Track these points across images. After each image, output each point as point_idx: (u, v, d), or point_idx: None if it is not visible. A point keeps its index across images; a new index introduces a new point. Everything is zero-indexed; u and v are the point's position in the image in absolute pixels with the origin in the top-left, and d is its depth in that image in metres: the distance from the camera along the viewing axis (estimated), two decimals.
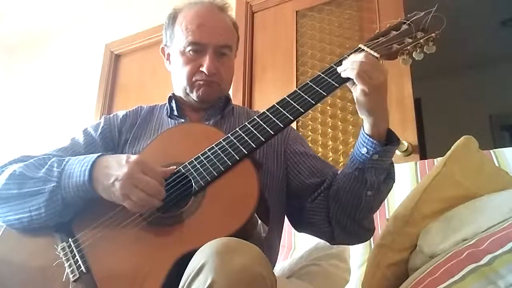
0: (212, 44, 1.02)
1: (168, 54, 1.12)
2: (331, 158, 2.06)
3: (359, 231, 0.95)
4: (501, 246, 0.69)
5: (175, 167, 0.84)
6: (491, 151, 1.36)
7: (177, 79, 1.08)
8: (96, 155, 0.84)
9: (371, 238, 1.39)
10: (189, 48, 1.02)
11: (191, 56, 1.03)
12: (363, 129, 0.85)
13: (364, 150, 0.85)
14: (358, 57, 0.81)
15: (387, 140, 0.85)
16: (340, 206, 0.91)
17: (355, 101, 0.83)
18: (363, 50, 0.86)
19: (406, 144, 1.85)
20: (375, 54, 0.84)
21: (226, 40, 1.05)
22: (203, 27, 1.03)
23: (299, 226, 1.04)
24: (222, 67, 1.04)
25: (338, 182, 0.92)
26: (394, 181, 0.92)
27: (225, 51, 1.05)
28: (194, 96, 1.05)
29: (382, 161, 0.85)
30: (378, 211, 1.42)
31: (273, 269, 0.92)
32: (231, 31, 1.09)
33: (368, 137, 0.84)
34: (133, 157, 0.80)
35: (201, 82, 1.03)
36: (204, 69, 1.01)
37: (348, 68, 0.80)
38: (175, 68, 1.08)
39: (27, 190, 0.85)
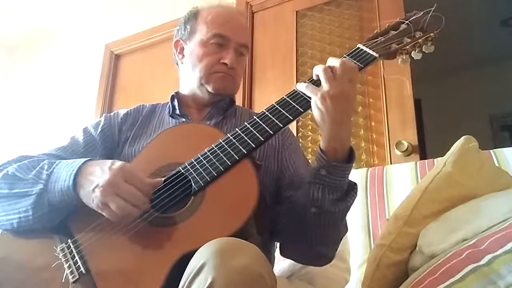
0: (235, 40, 1.05)
1: (182, 49, 1.12)
2: None
3: (309, 251, 0.89)
4: (501, 246, 0.69)
5: (162, 179, 0.82)
6: (491, 151, 1.36)
7: (191, 72, 1.07)
8: (84, 159, 0.83)
9: (371, 239, 1.40)
10: (213, 40, 1.04)
11: (213, 48, 1.05)
12: (320, 143, 0.83)
13: (315, 164, 0.83)
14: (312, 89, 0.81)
15: (347, 160, 0.82)
16: (291, 217, 0.88)
17: None
18: (362, 50, 0.86)
19: (406, 144, 1.84)
20: (374, 53, 0.84)
21: (247, 40, 1.10)
22: (229, 23, 1.07)
23: None
24: (238, 66, 1.07)
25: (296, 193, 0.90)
26: (347, 207, 0.85)
27: (243, 51, 1.09)
28: (210, 87, 1.04)
29: (330, 178, 0.80)
30: (378, 211, 1.44)
31: (272, 268, 0.92)
32: (249, 35, 1.13)
33: (320, 151, 0.81)
34: (117, 164, 0.78)
35: (219, 74, 1.04)
36: (226, 60, 1.03)
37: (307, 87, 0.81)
38: (191, 60, 1.07)
39: (17, 191, 0.84)
